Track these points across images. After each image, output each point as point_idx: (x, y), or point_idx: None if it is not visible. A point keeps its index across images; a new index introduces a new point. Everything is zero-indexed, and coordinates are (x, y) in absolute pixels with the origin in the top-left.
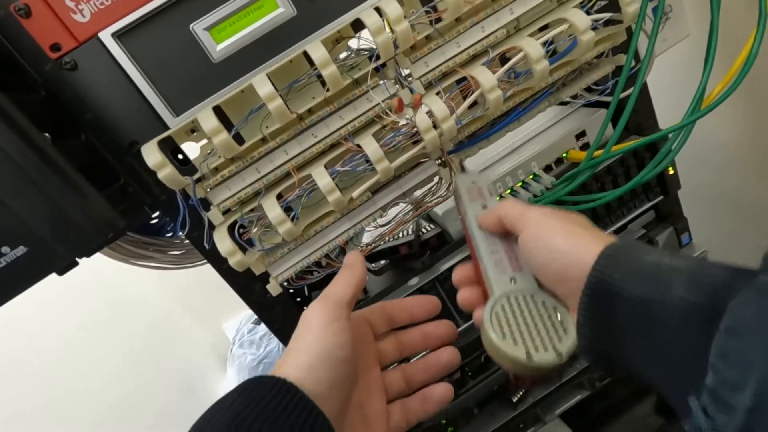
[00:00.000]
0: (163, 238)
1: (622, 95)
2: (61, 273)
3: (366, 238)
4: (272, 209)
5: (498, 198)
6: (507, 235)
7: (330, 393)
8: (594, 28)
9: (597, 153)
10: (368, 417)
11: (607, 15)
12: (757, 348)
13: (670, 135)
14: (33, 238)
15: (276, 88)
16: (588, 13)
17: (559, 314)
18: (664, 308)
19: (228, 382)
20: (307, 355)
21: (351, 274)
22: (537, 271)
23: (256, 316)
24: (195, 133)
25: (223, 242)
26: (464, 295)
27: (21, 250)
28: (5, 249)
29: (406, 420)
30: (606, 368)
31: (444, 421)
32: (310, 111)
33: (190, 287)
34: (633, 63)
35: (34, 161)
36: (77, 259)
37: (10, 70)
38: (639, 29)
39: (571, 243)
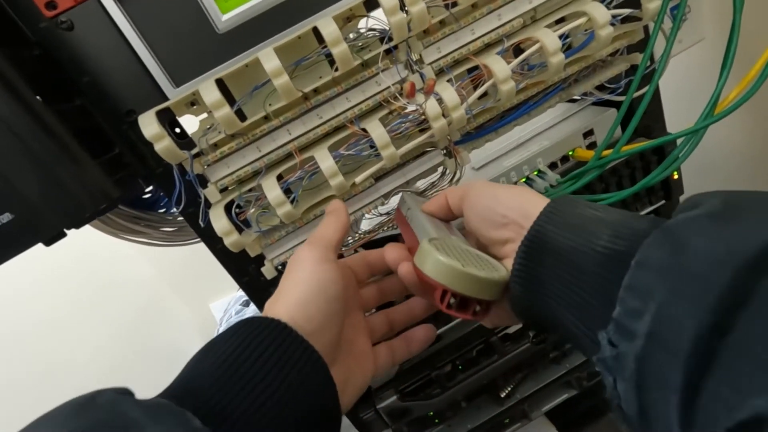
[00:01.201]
0: (155, 213)
1: (634, 95)
2: (48, 243)
3: (364, 226)
4: (272, 190)
5: None
6: (448, 221)
7: (321, 329)
8: (612, 24)
9: (606, 153)
10: (357, 353)
11: (627, 11)
12: (658, 277)
13: (681, 139)
14: (20, 203)
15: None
16: (607, 8)
17: (489, 260)
18: (586, 256)
19: None
20: (298, 293)
21: (337, 219)
22: (479, 221)
23: (244, 298)
24: (195, 106)
25: (220, 221)
26: (392, 253)
27: (6, 216)
28: None
29: (392, 358)
30: (532, 323)
31: (431, 413)
32: (316, 91)
33: (179, 266)
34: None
35: (26, 122)
36: (65, 230)
37: (2, 27)
38: (658, 28)
39: (518, 193)
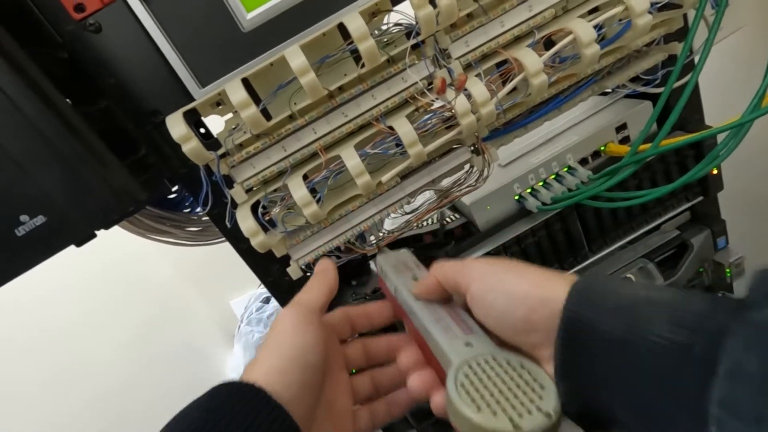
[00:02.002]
0: (180, 213)
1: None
2: (79, 244)
3: (387, 225)
4: (298, 190)
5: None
6: (447, 301)
7: (299, 396)
8: (649, 13)
9: (642, 147)
10: (336, 416)
11: None
12: (761, 394)
13: (723, 133)
14: (52, 207)
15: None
16: None
17: (529, 371)
18: (641, 350)
19: (235, 358)
20: (278, 359)
21: (323, 281)
22: (496, 326)
23: (264, 295)
24: (220, 106)
25: (246, 221)
26: (415, 381)
27: (40, 219)
28: (24, 218)
29: (372, 422)
30: (594, 425)
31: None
32: (341, 89)
33: (200, 263)
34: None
35: (55, 125)
36: (95, 231)
37: (31, 29)
38: (700, 15)
39: (530, 283)
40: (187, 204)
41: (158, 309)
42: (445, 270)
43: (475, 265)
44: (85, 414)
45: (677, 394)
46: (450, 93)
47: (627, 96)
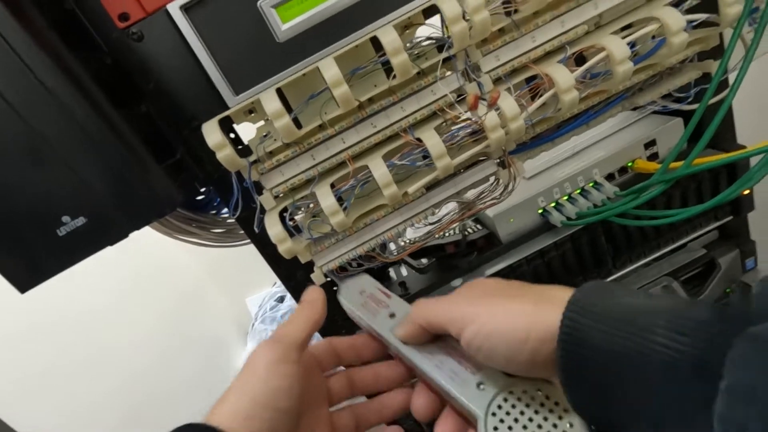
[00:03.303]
0: (207, 214)
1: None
2: (112, 243)
3: (409, 234)
4: (326, 198)
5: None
6: (439, 337)
7: None
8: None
9: (673, 165)
10: None
11: (703, 16)
12: (763, 414)
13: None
14: (94, 208)
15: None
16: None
17: (548, 395)
18: (641, 358)
19: (248, 354)
20: (246, 402)
21: (309, 313)
22: (505, 366)
23: (278, 294)
24: (252, 114)
25: (275, 228)
26: (421, 403)
27: (81, 220)
28: (66, 218)
29: None
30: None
31: None
32: (370, 100)
33: (220, 258)
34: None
35: (102, 129)
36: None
37: (80, 36)
38: (738, 34)
39: (526, 321)
40: (215, 205)
41: (179, 301)
42: (428, 316)
43: (461, 305)
44: (108, 399)
45: (682, 407)
46: (481, 108)
47: (656, 112)
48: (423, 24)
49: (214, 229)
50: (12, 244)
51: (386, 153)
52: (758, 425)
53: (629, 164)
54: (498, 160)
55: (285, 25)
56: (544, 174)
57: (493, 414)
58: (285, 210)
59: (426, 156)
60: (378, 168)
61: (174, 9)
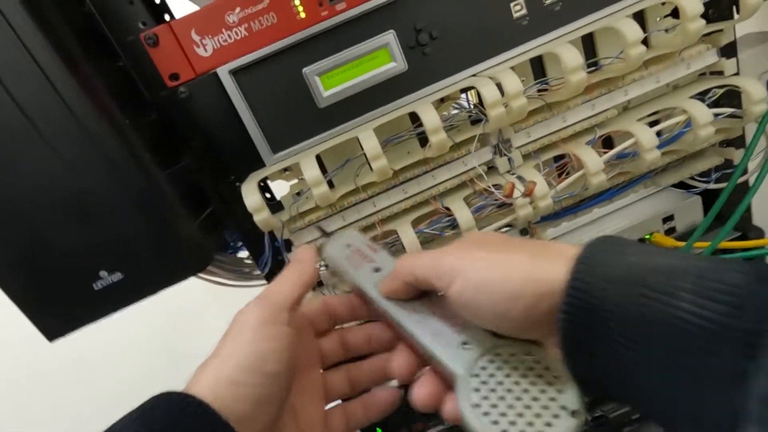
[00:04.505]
0: (227, 255)
1: (717, 186)
2: (143, 298)
3: None
4: None
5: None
6: (425, 295)
7: (254, 412)
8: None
9: (697, 245)
10: (305, 422)
11: (728, 110)
12: None
13: None
14: (132, 264)
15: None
16: (707, 104)
17: (538, 359)
18: (667, 329)
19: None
20: (231, 367)
21: (299, 272)
22: (490, 326)
23: None
24: (287, 172)
25: None
26: (420, 395)
27: (117, 276)
28: (103, 273)
29: (346, 425)
30: (607, 397)
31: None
32: (403, 168)
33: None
34: None
35: (147, 185)
36: None
37: (129, 93)
38: (762, 131)
39: (522, 275)
40: (236, 246)
41: (176, 316)
42: (414, 271)
43: (449, 259)
44: (103, 409)
45: (703, 382)
46: (516, 192)
47: (675, 186)
48: (459, 99)
49: (234, 268)
50: (48, 295)
51: (415, 219)
52: None
53: (647, 237)
54: (521, 229)
55: (327, 92)
56: (562, 239)
57: (476, 375)
58: None
59: (454, 225)
60: (406, 234)
61: (223, 72)
